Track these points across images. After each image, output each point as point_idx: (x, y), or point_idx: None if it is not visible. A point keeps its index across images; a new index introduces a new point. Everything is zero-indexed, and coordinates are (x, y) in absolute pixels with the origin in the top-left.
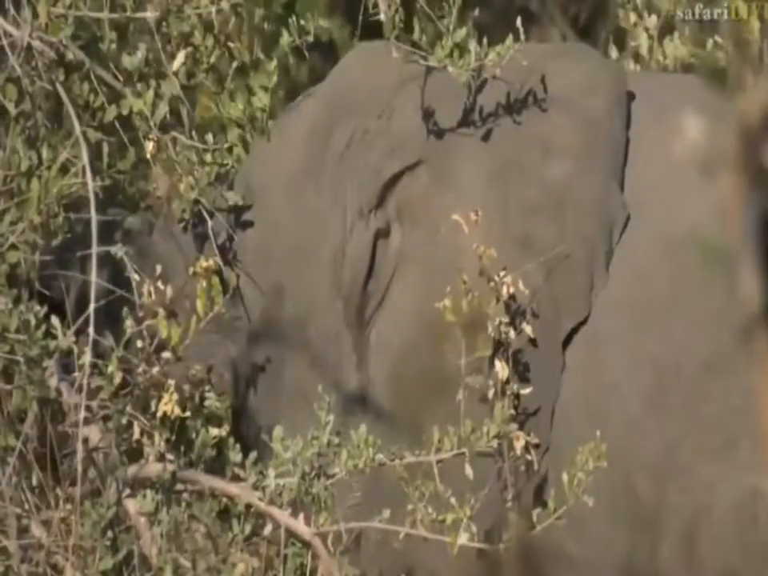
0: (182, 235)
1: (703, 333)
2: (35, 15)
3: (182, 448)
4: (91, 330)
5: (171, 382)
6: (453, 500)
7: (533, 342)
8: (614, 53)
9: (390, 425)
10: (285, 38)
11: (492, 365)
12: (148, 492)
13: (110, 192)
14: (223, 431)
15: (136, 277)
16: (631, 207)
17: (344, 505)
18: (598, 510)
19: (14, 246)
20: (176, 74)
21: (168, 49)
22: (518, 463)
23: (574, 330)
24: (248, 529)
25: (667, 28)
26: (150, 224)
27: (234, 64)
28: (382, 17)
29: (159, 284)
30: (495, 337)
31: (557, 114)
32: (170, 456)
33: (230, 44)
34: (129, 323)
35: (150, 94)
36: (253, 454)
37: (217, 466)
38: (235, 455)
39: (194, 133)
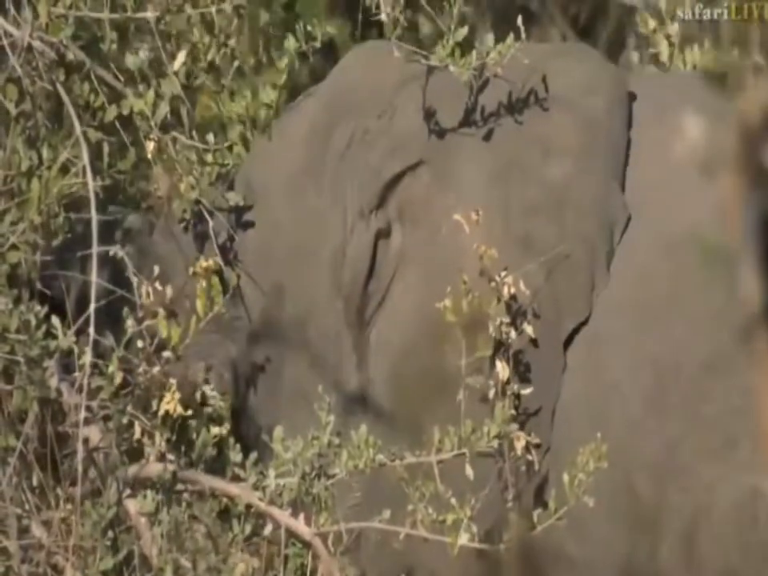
0: (182, 235)
1: (703, 333)
2: (36, 15)
3: (183, 448)
4: (92, 330)
5: (173, 381)
6: (453, 500)
7: (534, 342)
8: (635, 58)
9: (390, 425)
10: (291, 43)
11: (493, 365)
12: (148, 492)
13: (110, 192)
14: (224, 430)
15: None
16: (631, 207)
17: (344, 505)
18: (598, 510)
19: (14, 246)
20: (176, 73)
21: (168, 48)
22: (518, 463)
23: (575, 330)
24: (248, 529)
25: (688, 35)
26: (151, 224)
27: (236, 63)
28: (383, 17)
29: (159, 284)
30: (496, 337)
31: (558, 113)
32: (170, 456)
33: (230, 42)
34: (129, 323)
35: (151, 93)
36: (253, 455)
37: (217, 466)
38: (235, 455)
39: (194, 133)
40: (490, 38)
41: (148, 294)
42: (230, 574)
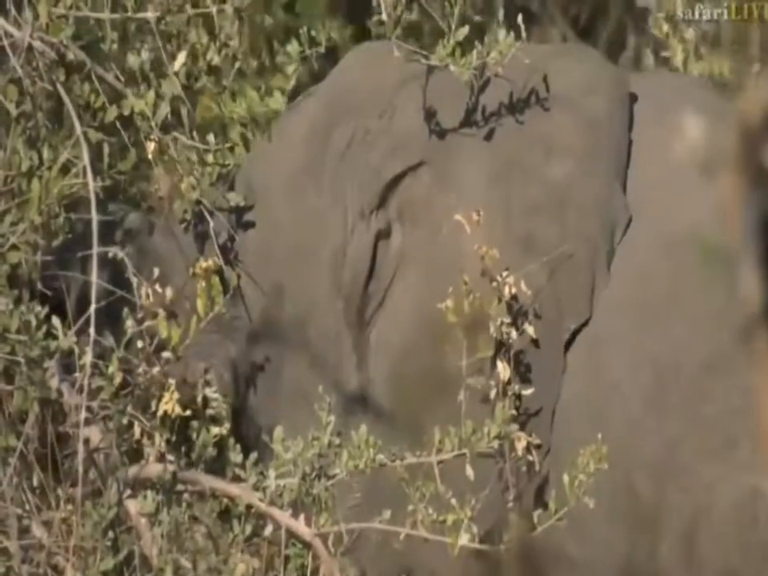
0: (183, 235)
1: (703, 333)
2: (36, 16)
3: (183, 448)
4: (92, 330)
5: (172, 381)
6: (453, 501)
7: (535, 342)
8: (650, 60)
9: (390, 425)
10: (294, 47)
11: (493, 365)
12: (149, 492)
13: (110, 193)
14: (223, 430)
15: (136, 278)
16: (632, 207)
17: (345, 505)
18: (598, 510)
19: (14, 247)
20: (177, 74)
21: (168, 49)
22: (519, 464)
23: (576, 331)
24: (249, 529)
25: (701, 41)
26: (151, 224)
27: (237, 65)
28: (384, 17)
29: (159, 285)
30: (497, 337)
31: (559, 113)
32: (170, 456)
33: (231, 43)
34: (129, 323)
35: (151, 94)
36: (253, 455)
37: (217, 466)
38: (236, 456)
39: (195, 133)
40: (501, 33)
41: (148, 295)
42: (231, 575)
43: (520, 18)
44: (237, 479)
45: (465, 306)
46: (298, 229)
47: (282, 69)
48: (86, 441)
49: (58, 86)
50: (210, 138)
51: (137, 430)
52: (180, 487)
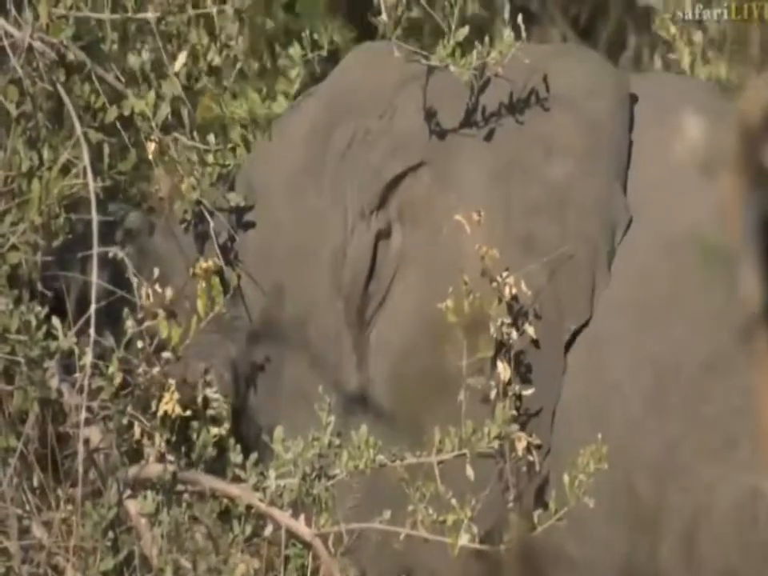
0: (183, 235)
1: (703, 333)
2: (36, 16)
3: (183, 449)
4: (92, 330)
5: (172, 381)
6: (454, 501)
7: (535, 342)
8: (657, 63)
9: (390, 425)
10: (297, 51)
11: (494, 366)
12: (149, 493)
13: (111, 193)
14: (223, 430)
15: (136, 278)
16: (632, 207)
17: (345, 506)
18: (598, 510)
19: (14, 247)
20: (177, 74)
21: (169, 49)
22: (519, 464)
23: (576, 331)
24: (249, 530)
25: (709, 45)
26: (152, 224)
27: (238, 65)
28: (384, 17)
29: (160, 285)
30: (497, 337)
31: (559, 114)
32: (170, 457)
33: (231, 44)
34: (130, 324)
35: (152, 94)
36: (253, 455)
37: (217, 466)
38: (236, 456)
39: (195, 134)
40: (506, 32)
41: (148, 295)
42: (231, 575)
43: (520, 18)
44: (237, 479)
45: (465, 306)
46: (298, 229)
47: (284, 72)
48: (86, 441)
49: (59, 87)
50: (211, 138)
51: (137, 430)
52: (180, 487)
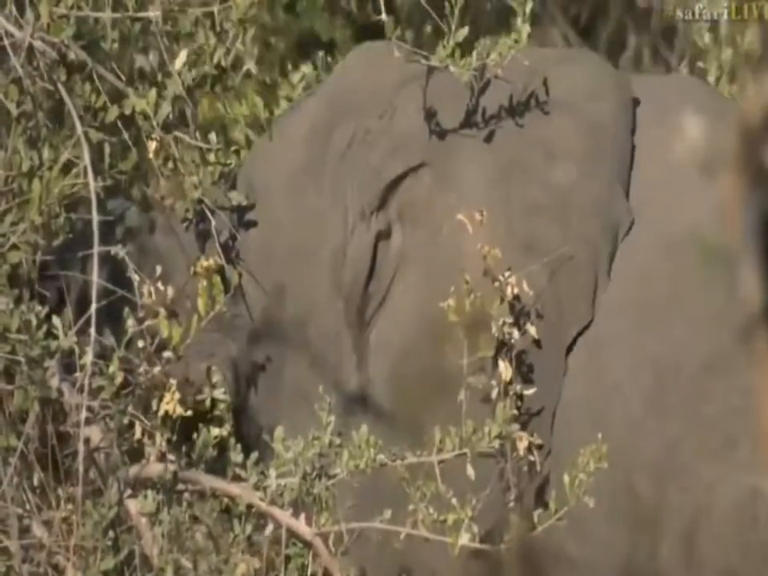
0: (184, 234)
1: (703, 333)
2: (37, 16)
3: (184, 448)
4: (92, 330)
5: (173, 381)
6: (454, 500)
7: (536, 342)
8: (684, 70)
9: (390, 425)
10: (309, 69)
11: (495, 365)
12: (149, 492)
13: (111, 193)
14: (224, 431)
15: (137, 276)
16: (632, 208)
17: (345, 505)
18: (598, 510)
19: (15, 247)
20: (179, 73)
21: (172, 48)
22: (519, 464)
23: (578, 333)
24: (249, 529)
25: (744, 61)
26: (153, 222)
27: (245, 68)
28: (384, 17)
29: (160, 284)
30: (499, 337)
31: (560, 117)
32: (171, 456)
33: (238, 45)
34: (130, 323)
35: (153, 93)
36: (254, 454)
37: (218, 466)
38: (236, 455)
39: (197, 133)
40: (525, 27)
41: (149, 294)
42: (231, 575)
43: (519, 20)
44: (237, 479)
45: (466, 306)
46: (299, 229)
47: (287, 76)
48: (87, 440)
49: (59, 86)
50: (212, 137)
51: (137, 429)
52: (181, 487)
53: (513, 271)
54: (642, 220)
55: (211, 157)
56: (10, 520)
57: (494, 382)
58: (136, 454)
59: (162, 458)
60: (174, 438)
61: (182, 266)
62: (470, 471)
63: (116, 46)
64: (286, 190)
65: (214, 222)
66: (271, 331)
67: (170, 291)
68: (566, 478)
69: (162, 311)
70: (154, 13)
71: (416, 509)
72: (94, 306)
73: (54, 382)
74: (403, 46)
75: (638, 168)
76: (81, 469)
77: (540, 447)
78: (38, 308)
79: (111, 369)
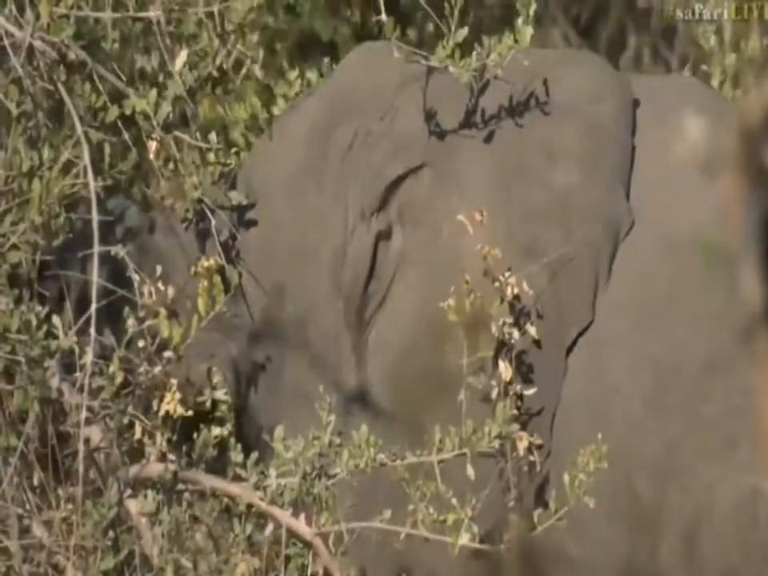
0: (184, 233)
1: (703, 333)
2: (37, 15)
3: (184, 448)
4: (92, 330)
5: (173, 381)
6: (454, 500)
7: (536, 343)
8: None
9: (390, 425)
10: (315, 76)
11: (495, 365)
12: (149, 492)
13: (111, 193)
14: (225, 431)
15: (137, 276)
16: (632, 208)
17: (345, 505)
18: (598, 510)
19: (15, 246)
20: (180, 73)
21: (170, 48)
22: (519, 464)
23: (578, 333)
24: (249, 529)
25: (747, 66)
26: (153, 222)
27: (246, 68)
28: (383, 17)
29: (160, 283)
30: (499, 337)
31: (561, 118)
32: (171, 456)
33: (239, 47)
34: (131, 323)
35: (153, 93)
36: (254, 454)
37: (218, 466)
38: (236, 455)
39: (197, 133)
40: (528, 29)
41: (149, 294)
42: (231, 574)
43: (520, 19)
44: (237, 479)
45: (466, 306)
46: (299, 229)
47: (284, 76)
48: (87, 440)
49: (59, 86)
50: (212, 137)
51: (138, 429)
52: (181, 487)
53: (513, 272)
54: (642, 220)
55: (211, 157)
56: (10, 520)
57: (494, 382)
58: (136, 454)
59: (162, 457)
60: (175, 438)
61: (182, 265)
62: (470, 471)
63: (116, 46)
64: (286, 190)
65: (214, 222)
66: (271, 331)
67: (171, 291)
68: (566, 478)
69: (163, 311)
70: (154, 13)
71: (416, 509)
72: (94, 306)
73: (54, 382)
74: (403, 47)
75: (638, 168)
76: (81, 469)
77: (540, 447)
78: (38, 308)
79: (111, 369)
